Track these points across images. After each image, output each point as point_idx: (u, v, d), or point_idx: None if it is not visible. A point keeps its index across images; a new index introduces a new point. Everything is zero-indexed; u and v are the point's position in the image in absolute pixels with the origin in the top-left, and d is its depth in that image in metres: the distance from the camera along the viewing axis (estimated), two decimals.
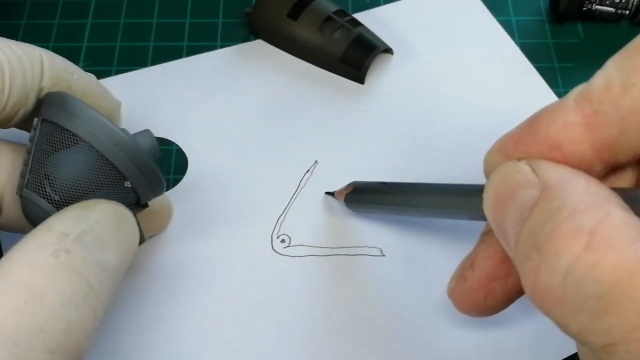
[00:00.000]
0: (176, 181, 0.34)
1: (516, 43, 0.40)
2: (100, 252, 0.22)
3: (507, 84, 0.38)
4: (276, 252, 0.32)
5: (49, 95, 0.25)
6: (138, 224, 0.25)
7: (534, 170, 0.19)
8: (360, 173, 0.34)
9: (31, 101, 0.26)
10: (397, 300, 0.30)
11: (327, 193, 0.33)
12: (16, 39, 0.39)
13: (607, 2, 0.39)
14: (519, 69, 0.38)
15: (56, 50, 0.39)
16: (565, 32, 0.41)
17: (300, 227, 0.33)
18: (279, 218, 0.33)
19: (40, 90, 0.26)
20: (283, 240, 0.32)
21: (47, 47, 0.38)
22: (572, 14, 0.40)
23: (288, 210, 0.33)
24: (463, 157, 0.35)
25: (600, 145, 0.19)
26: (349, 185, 0.32)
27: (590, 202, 0.17)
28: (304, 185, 0.34)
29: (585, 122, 0.19)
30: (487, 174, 0.22)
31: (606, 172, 0.20)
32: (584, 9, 0.40)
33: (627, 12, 0.40)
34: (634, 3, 0.39)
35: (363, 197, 0.31)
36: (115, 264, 0.22)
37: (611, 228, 0.16)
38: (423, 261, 0.31)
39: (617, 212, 0.17)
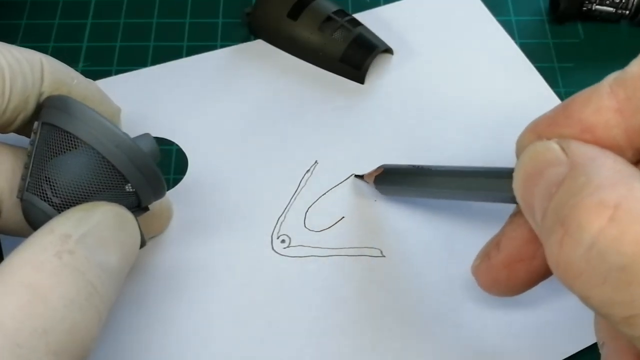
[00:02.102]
0: (176, 181, 0.34)
1: (516, 43, 0.40)
2: (103, 253, 0.22)
3: (507, 84, 0.38)
4: (276, 252, 0.32)
5: (49, 98, 0.25)
6: (139, 228, 0.25)
7: (563, 149, 0.19)
8: (360, 172, 0.34)
9: (31, 106, 0.26)
10: (397, 301, 0.30)
11: (356, 176, 0.34)
12: (16, 39, 0.39)
13: (607, 2, 0.39)
14: (519, 69, 0.38)
15: (56, 50, 0.39)
16: (565, 32, 0.41)
17: (300, 228, 0.33)
18: (279, 218, 0.33)
19: (41, 94, 0.26)
20: (283, 241, 0.32)
21: (47, 47, 0.39)
22: (572, 14, 0.40)
23: (288, 211, 0.33)
24: (463, 157, 0.35)
25: (632, 131, 0.20)
26: (378, 167, 0.32)
27: (615, 178, 0.17)
28: (304, 185, 0.34)
29: (619, 107, 0.19)
30: (519, 155, 0.22)
31: (637, 159, 0.20)
32: (584, 9, 0.40)
33: (627, 12, 0.40)
34: (634, 3, 0.39)
35: (394, 178, 0.31)
36: (117, 266, 0.22)
37: (635, 202, 0.17)
38: (423, 262, 0.31)
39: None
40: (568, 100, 0.21)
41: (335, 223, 0.33)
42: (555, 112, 0.21)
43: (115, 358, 0.29)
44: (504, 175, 0.24)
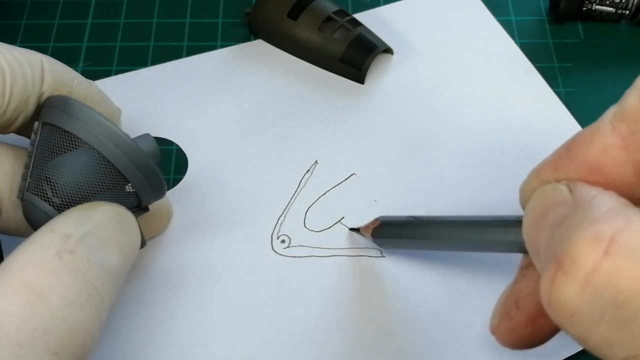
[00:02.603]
0: (176, 181, 0.34)
1: (516, 43, 0.40)
2: (103, 253, 0.22)
3: (507, 84, 0.38)
4: (276, 252, 0.32)
5: (49, 99, 0.25)
6: (139, 228, 0.25)
7: (570, 191, 0.19)
8: (360, 173, 0.34)
9: (31, 106, 0.26)
10: (397, 301, 0.30)
11: (351, 229, 0.32)
12: (16, 39, 0.39)
13: (607, 2, 0.39)
14: (519, 69, 0.38)
15: (56, 50, 0.39)
16: (565, 32, 0.41)
17: (300, 228, 0.33)
18: (279, 218, 0.33)
19: (41, 95, 0.26)
20: (283, 241, 0.32)
21: (47, 47, 0.39)
22: (572, 14, 0.40)
23: (288, 211, 0.33)
24: (463, 157, 0.35)
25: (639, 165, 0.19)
26: (375, 220, 0.31)
27: (613, 213, 0.17)
28: (304, 185, 0.34)
29: (624, 143, 0.19)
30: (524, 204, 0.21)
31: None
32: (584, 9, 0.40)
33: (627, 12, 0.40)
34: (634, 3, 0.39)
35: (392, 231, 0.30)
36: (117, 266, 0.22)
37: (632, 235, 0.16)
38: (423, 262, 0.31)
39: (639, 221, 0.16)
40: (569, 142, 0.20)
41: (335, 223, 0.33)
42: (558, 155, 0.20)
43: (116, 358, 0.29)
44: (511, 225, 0.23)
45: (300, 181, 0.34)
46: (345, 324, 0.30)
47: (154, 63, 0.38)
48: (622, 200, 0.18)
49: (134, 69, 0.38)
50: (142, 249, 0.25)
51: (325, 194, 0.34)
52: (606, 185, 0.19)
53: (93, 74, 0.37)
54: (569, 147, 0.20)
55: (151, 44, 0.40)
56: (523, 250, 0.21)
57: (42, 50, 0.31)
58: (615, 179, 0.19)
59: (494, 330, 0.23)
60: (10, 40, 0.39)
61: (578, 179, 0.19)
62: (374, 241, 0.31)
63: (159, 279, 0.31)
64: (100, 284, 0.21)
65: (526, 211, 0.20)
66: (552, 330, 0.22)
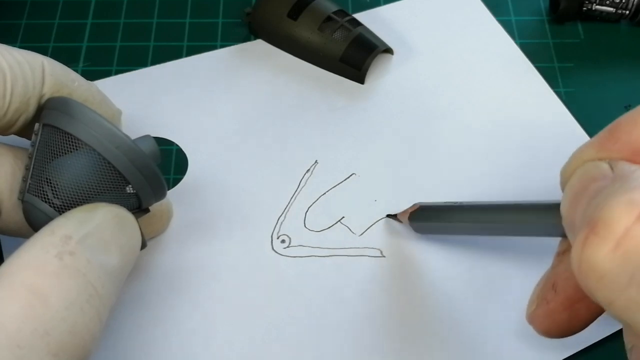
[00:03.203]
0: (176, 181, 0.34)
1: (516, 43, 0.40)
2: (104, 254, 0.22)
3: (507, 84, 0.38)
4: (276, 252, 0.32)
5: (50, 100, 0.25)
6: (140, 229, 0.25)
7: (611, 167, 0.19)
8: (360, 172, 0.34)
9: (32, 108, 0.26)
10: (397, 301, 0.30)
11: (388, 216, 0.33)
12: (16, 39, 0.39)
13: (607, 2, 0.39)
14: (519, 69, 0.38)
15: (56, 50, 0.39)
16: (565, 32, 0.41)
17: (300, 228, 0.33)
18: (279, 218, 0.33)
19: (42, 96, 0.26)
20: (283, 241, 0.32)
21: (47, 47, 0.39)
22: (572, 14, 0.40)
23: (288, 211, 0.33)
24: (463, 157, 0.35)
25: None
26: (413, 205, 0.31)
27: None
28: (304, 185, 0.34)
29: None
30: (563, 186, 0.21)
31: None
32: (584, 9, 0.40)
33: (627, 12, 0.40)
34: (634, 3, 0.39)
35: (430, 215, 0.30)
36: (118, 267, 0.23)
37: None
38: (423, 262, 0.31)
39: None
40: (613, 124, 0.20)
41: (335, 223, 0.33)
42: (601, 137, 0.20)
43: (116, 358, 0.29)
44: (550, 208, 0.23)
45: (300, 181, 0.34)
46: (345, 324, 0.30)
47: (154, 63, 0.38)
48: None
49: (134, 69, 0.38)
50: (143, 250, 0.25)
51: (325, 193, 0.34)
52: None
53: (93, 74, 0.37)
54: (612, 129, 0.20)
55: (151, 44, 0.40)
56: (561, 232, 0.21)
57: (42, 50, 0.31)
58: None
59: (532, 317, 0.23)
60: (10, 40, 0.39)
61: (621, 159, 0.20)
62: (411, 225, 0.31)
63: (159, 279, 0.31)
64: (100, 285, 0.21)
65: (566, 190, 0.20)
66: (588, 317, 0.22)
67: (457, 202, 0.29)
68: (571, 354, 0.29)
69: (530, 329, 0.30)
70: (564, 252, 0.23)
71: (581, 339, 0.29)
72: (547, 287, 0.23)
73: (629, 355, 0.22)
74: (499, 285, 0.31)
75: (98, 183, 0.24)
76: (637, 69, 0.39)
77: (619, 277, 0.16)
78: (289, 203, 0.33)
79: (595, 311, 0.22)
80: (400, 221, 0.32)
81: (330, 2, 0.38)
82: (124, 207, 0.24)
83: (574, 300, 0.22)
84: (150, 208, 0.27)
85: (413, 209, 0.31)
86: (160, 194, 0.26)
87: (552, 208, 0.21)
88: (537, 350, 0.29)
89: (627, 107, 0.37)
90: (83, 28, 0.40)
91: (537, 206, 0.25)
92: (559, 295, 0.22)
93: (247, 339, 0.29)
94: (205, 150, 0.35)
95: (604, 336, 0.30)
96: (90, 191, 0.24)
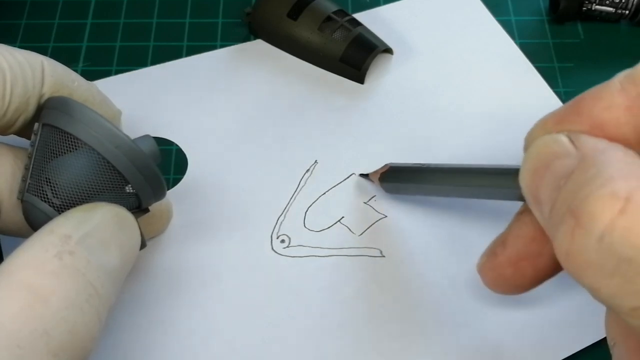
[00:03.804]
0: (176, 181, 0.34)
1: (516, 43, 0.40)
2: (103, 254, 0.22)
3: (507, 83, 0.38)
4: (276, 252, 0.32)
5: (49, 100, 0.25)
6: (139, 229, 0.25)
7: (572, 142, 0.20)
8: (359, 172, 0.34)
9: (32, 107, 0.26)
10: (397, 301, 0.30)
11: (360, 175, 0.34)
12: (16, 39, 0.39)
13: (607, 2, 0.39)
14: (519, 69, 0.38)
15: (56, 50, 0.39)
16: (565, 32, 0.41)
17: (300, 228, 0.33)
18: (278, 218, 0.33)
19: (41, 96, 0.26)
20: (283, 241, 0.32)
21: (47, 47, 0.39)
22: (572, 14, 0.40)
23: (288, 211, 0.33)
24: (463, 157, 0.35)
25: None
26: (384, 165, 0.32)
27: (627, 170, 0.18)
28: (304, 185, 0.34)
29: (629, 104, 0.20)
30: (527, 150, 0.22)
31: None
32: (584, 9, 0.40)
33: (627, 12, 0.40)
34: (634, 3, 0.39)
35: (399, 176, 0.31)
36: (117, 267, 0.23)
37: None
38: (423, 262, 0.31)
39: None
40: (578, 97, 0.21)
41: (335, 223, 0.33)
42: (565, 108, 0.21)
43: (116, 358, 0.29)
44: (510, 172, 0.24)
45: (300, 181, 0.34)
46: (345, 324, 0.30)
47: (153, 63, 0.38)
48: (630, 153, 0.19)
49: (134, 69, 0.38)
50: (142, 249, 0.25)
51: (325, 193, 0.34)
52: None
53: (93, 74, 0.37)
54: (576, 102, 0.21)
55: (151, 44, 0.40)
56: (522, 197, 0.22)
57: (42, 50, 0.31)
58: (615, 137, 0.20)
59: (480, 268, 0.25)
60: (10, 40, 0.39)
61: (580, 132, 0.20)
62: (382, 186, 0.32)
63: (158, 279, 0.31)
64: (100, 285, 0.21)
65: (525, 159, 0.21)
66: (534, 278, 0.23)
67: (425, 164, 0.30)
68: (571, 353, 0.29)
69: (531, 329, 0.30)
70: (523, 212, 0.24)
71: (582, 338, 0.29)
72: (498, 242, 0.24)
73: (612, 352, 0.22)
74: None
75: (98, 183, 0.24)
76: None
77: (605, 267, 0.17)
78: (288, 203, 0.33)
79: (541, 273, 0.23)
80: (371, 180, 0.33)
81: (330, 2, 0.38)
82: (124, 206, 0.24)
83: (520, 258, 0.23)
84: (150, 208, 0.27)
85: (384, 170, 0.32)
86: (160, 194, 0.26)
87: (515, 174, 0.22)
88: (537, 350, 0.29)
89: None
90: (83, 28, 0.40)
91: (502, 170, 0.26)
92: (507, 250, 0.23)
93: (247, 339, 0.29)
94: (205, 150, 0.35)
95: (604, 336, 0.30)
96: (90, 191, 0.24)
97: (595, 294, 0.18)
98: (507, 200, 0.25)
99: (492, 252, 0.24)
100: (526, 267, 0.23)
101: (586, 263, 0.17)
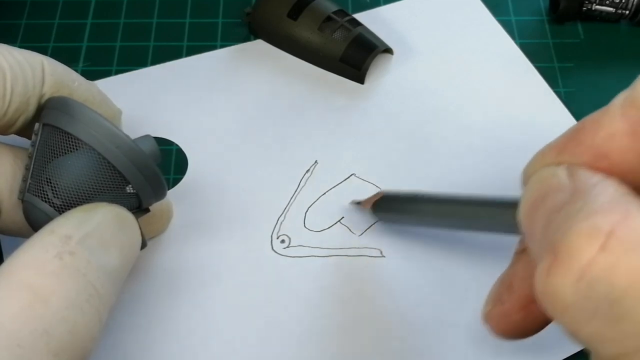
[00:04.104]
0: (176, 181, 0.34)
1: (516, 43, 0.40)
2: (104, 254, 0.22)
3: (507, 84, 0.38)
4: (276, 252, 0.32)
5: (50, 100, 0.25)
6: (140, 229, 0.25)
7: (570, 175, 0.18)
8: (360, 173, 0.34)
9: (32, 107, 0.26)
10: (397, 301, 0.30)
11: (353, 202, 0.33)
12: (16, 39, 0.39)
13: (607, 2, 0.39)
14: (519, 69, 0.38)
15: (56, 50, 0.39)
16: (565, 32, 0.41)
17: (300, 228, 0.33)
18: (278, 218, 0.33)
19: (42, 96, 0.26)
20: (283, 241, 0.32)
21: (47, 47, 0.39)
22: (572, 14, 0.40)
23: (288, 211, 0.33)
24: (463, 157, 0.35)
25: None
26: (377, 193, 0.31)
27: (612, 205, 0.16)
28: (304, 185, 0.34)
29: (632, 129, 0.18)
30: (525, 184, 0.21)
31: None
32: (584, 8, 0.40)
33: (627, 12, 0.40)
34: (634, 3, 0.39)
35: (392, 205, 0.30)
36: (118, 267, 0.23)
37: (630, 231, 0.15)
38: (423, 262, 0.31)
39: (638, 216, 0.16)
40: (577, 125, 0.20)
41: (335, 223, 0.33)
42: (564, 138, 0.20)
43: (116, 358, 0.29)
44: (509, 206, 0.23)
45: (300, 181, 0.34)
46: (345, 324, 0.30)
47: (153, 63, 0.38)
48: (623, 190, 0.17)
49: (134, 69, 0.38)
50: (142, 249, 0.25)
51: (325, 194, 0.34)
52: (611, 171, 0.19)
53: (93, 74, 0.37)
54: (576, 131, 0.20)
55: (151, 44, 0.40)
56: (519, 231, 0.20)
57: (42, 50, 0.31)
58: (620, 165, 0.19)
59: (487, 317, 0.23)
60: (10, 40, 0.39)
61: (583, 164, 0.19)
62: (374, 214, 0.31)
63: (158, 279, 0.31)
64: (100, 285, 0.21)
65: (524, 193, 0.20)
66: (544, 319, 0.22)
67: (421, 192, 0.29)
68: (571, 353, 0.29)
69: None
70: (522, 250, 0.22)
71: None
72: (504, 287, 0.22)
73: None
74: None
75: (98, 183, 0.24)
76: (637, 69, 0.39)
77: (583, 309, 0.16)
78: (288, 203, 0.33)
79: None
80: (364, 208, 0.32)
81: (330, 2, 0.38)
82: (124, 207, 0.24)
83: (529, 301, 0.21)
84: (150, 208, 0.27)
85: (377, 198, 0.31)
86: (160, 194, 0.26)
87: (512, 206, 0.21)
88: (537, 350, 0.29)
89: None
90: (83, 28, 0.40)
91: (499, 202, 0.24)
92: (514, 296, 0.22)
93: (247, 339, 0.29)
94: (205, 150, 0.35)
95: None
96: (91, 191, 0.24)
97: (574, 336, 0.17)
98: (506, 234, 0.24)
99: (497, 298, 0.22)
100: (537, 310, 0.21)
101: (564, 304, 0.16)
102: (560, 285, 0.16)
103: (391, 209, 0.31)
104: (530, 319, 0.21)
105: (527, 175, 0.21)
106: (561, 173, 0.19)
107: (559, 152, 0.20)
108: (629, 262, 0.15)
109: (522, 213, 0.20)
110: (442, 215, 0.27)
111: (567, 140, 0.20)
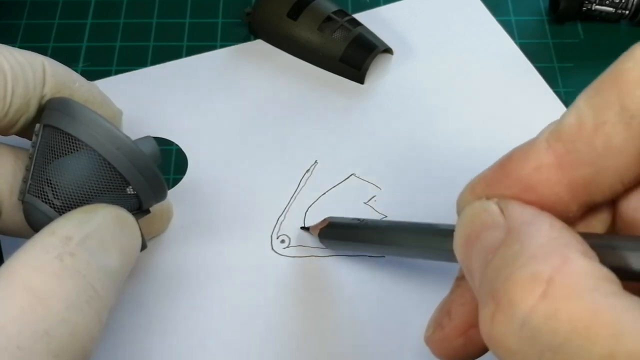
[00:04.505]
0: (176, 181, 0.34)
1: (516, 43, 0.40)
2: (104, 256, 0.22)
3: (507, 84, 0.38)
4: (276, 252, 0.32)
5: (50, 101, 0.25)
6: (140, 230, 0.25)
7: (501, 210, 0.19)
8: (360, 173, 0.34)
9: (33, 108, 0.26)
10: (396, 301, 0.30)
11: (302, 228, 0.32)
12: (16, 39, 0.39)
13: (607, 2, 0.39)
14: (519, 69, 0.38)
15: (56, 50, 0.39)
16: (565, 32, 0.41)
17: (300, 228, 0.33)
18: (278, 218, 0.33)
19: (42, 97, 0.26)
20: (283, 241, 0.32)
21: (47, 47, 0.39)
22: (572, 14, 0.40)
23: (288, 211, 0.33)
24: (462, 157, 0.35)
25: (575, 185, 0.18)
26: (324, 220, 0.31)
27: (550, 247, 0.16)
28: (304, 185, 0.34)
29: (558, 162, 0.18)
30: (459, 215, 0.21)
31: (583, 212, 0.19)
32: (584, 9, 0.40)
33: (627, 12, 0.40)
34: (634, 3, 0.39)
35: (337, 233, 0.30)
36: (118, 268, 0.23)
37: (569, 276, 0.16)
38: (422, 262, 0.31)
39: (577, 259, 0.16)
40: (504, 158, 0.20)
41: None
42: (492, 171, 0.20)
43: (116, 358, 0.29)
44: (449, 234, 0.22)
45: (300, 181, 0.34)
46: (345, 324, 0.30)
47: (153, 63, 0.38)
48: (557, 226, 0.17)
49: (134, 69, 0.38)
50: (142, 251, 0.25)
51: (325, 193, 0.34)
52: (539, 203, 0.19)
53: (93, 74, 0.37)
54: (503, 163, 0.20)
55: (151, 44, 0.40)
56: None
57: (42, 50, 0.31)
58: (548, 197, 0.19)
59: (428, 341, 0.23)
60: (10, 40, 0.39)
61: (511, 196, 0.19)
62: (321, 241, 0.31)
63: (158, 279, 0.31)
64: (100, 286, 0.21)
65: (457, 227, 0.20)
66: (485, 345, 0.21)
67: (362, 220, 0.29)
68: None
69: None
70: (462, 277, 0.22)
71: None
72: (443, 313, 0.22)
73: None
74: None
75: (98, 184, 0.24)
76: None
77: (529, 355, 0.16)
78: (288, 203, 0.33)
79: None
80: (312, 234, 0.32)
81: (330, 2, 0.38)
82: (125, 208, 0.24)
83: (468, 326, 0.21)
84: (150, 209, 0.27)
85: (323, 225, 0.31)
86: (160, 195, 0.26)
87: (451, 235, 0.21)
88: None
89: None
90: (83, 28, 0.40)
91: (438, 231, 0.24)
92: (454, 320, 0.22)
93: (246, 339, 0.29)
94: (205, 150, 0.35)
95: None
96: (91, 192, 0.24)
97: None
98: (447, 262, 0.24)
99: (437, 323, 0.23)
100: (476, 335, 0.21)
101: (509, 350, 0.16)
102: (504, 332, 0.16)
103: (337, 235, 0.30)
104: (471, 344, 0.21)
105: (461, 207, 0.21)
106: (493, 208, 0.19)
107: (487, 184, 0.20)
108: (570, 309, 0.15)
109: (456, 246, 0.20)
110: (385, 244, 0.27)
111: (495, 172, 0.20)
